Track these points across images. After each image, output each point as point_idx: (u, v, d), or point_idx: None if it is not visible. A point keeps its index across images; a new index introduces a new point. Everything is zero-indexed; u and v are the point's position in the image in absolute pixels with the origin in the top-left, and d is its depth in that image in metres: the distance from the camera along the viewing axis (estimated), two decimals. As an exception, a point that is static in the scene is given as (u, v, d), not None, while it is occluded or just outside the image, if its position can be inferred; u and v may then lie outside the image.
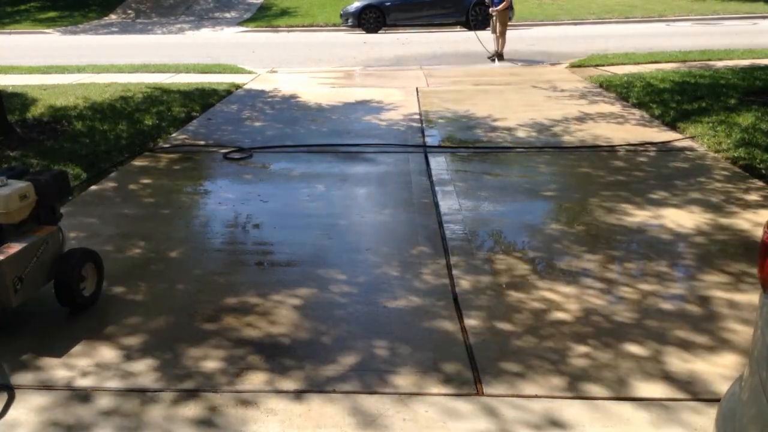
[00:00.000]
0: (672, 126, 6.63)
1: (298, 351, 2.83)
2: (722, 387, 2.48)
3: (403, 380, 2.62)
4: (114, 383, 2.63)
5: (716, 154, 5.63)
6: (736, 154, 5.47)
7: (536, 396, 2.52)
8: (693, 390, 2.54)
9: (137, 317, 3.13)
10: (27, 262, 2.92)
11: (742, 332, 2.93)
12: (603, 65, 10.49)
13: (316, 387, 2.59)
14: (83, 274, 3.16)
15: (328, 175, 5.29)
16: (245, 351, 2.84)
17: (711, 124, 6.34)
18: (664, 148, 5.95)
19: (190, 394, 2.55)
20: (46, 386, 2.62)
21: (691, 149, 5.87)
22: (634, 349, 2.82)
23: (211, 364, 2.74)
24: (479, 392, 2.55)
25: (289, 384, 2.61)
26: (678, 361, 2.72)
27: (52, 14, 23.02)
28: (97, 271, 3.26)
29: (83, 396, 2.55)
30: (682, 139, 6.20)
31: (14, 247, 2.89)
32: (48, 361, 2.77)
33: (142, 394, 2.56)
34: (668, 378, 2.61)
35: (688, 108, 7.02)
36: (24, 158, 5.58)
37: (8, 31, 20.49)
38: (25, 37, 19.11)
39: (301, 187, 5.03)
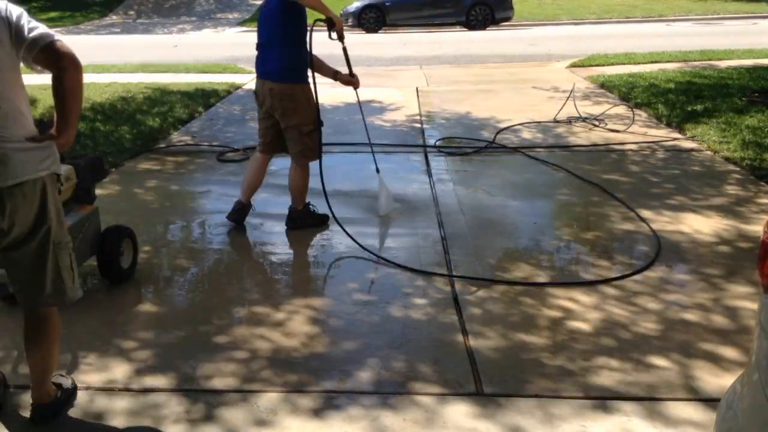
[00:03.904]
0: (677, 127, 6.58)
1: (298, 354, 2.84)
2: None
3: (401, 381, 2.62)
4: (121, 392, 2.61)
5: (723, 156, 5.56)
6: (743, 155, 5.41)
7: (537, 396, 2.52)
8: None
9: (141, 325, 3.12)
10: (74, 239, 2.93)
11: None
12: (603, 65, 10.46)
13: (326, 394, 2.58)
14: (121, 248, 3.42)
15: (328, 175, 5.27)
16: (249, 357, 2.83)
17: (717, 125, 6.28)
18: (671, 149, 5.92)
19: (198, 406, 2.52)
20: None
21: (698, 150, 5.84)
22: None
23: (218, 372, 2.73)
24: (479, 392, 2.55)
25: (294, 390, 2.61)
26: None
27: (53, 14, 23.03)
28: (133, 245, 3.53)
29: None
30: (688, 140, 6.17)
31: None
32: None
33: (151, 406, 2.56)
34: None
35: (692, 109, 6.97)
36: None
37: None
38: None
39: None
